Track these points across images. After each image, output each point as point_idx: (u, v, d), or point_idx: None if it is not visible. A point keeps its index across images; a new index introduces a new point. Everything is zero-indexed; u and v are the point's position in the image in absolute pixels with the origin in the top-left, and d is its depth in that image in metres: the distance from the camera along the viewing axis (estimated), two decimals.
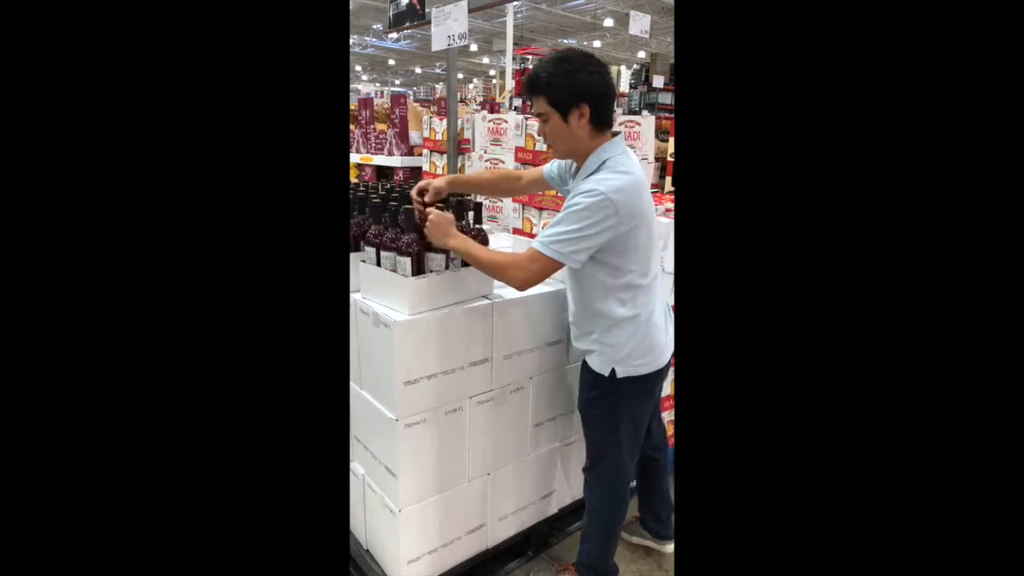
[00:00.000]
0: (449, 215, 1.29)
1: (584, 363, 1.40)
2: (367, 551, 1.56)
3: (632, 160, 1.27)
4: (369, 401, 1.41)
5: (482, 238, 1.42)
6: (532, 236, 2.14)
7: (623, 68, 8.00)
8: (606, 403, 1.37)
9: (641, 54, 14.79)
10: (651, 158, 2.11)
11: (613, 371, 1.32)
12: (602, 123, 1.24)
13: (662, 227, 1.49)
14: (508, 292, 1.50)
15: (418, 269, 1.31)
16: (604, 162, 1.24)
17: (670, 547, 1.74)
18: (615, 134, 1.29)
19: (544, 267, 1.21)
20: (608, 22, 12.06)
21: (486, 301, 1.43)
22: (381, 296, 1.36)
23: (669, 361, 1.42)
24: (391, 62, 18.44)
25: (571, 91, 1.20)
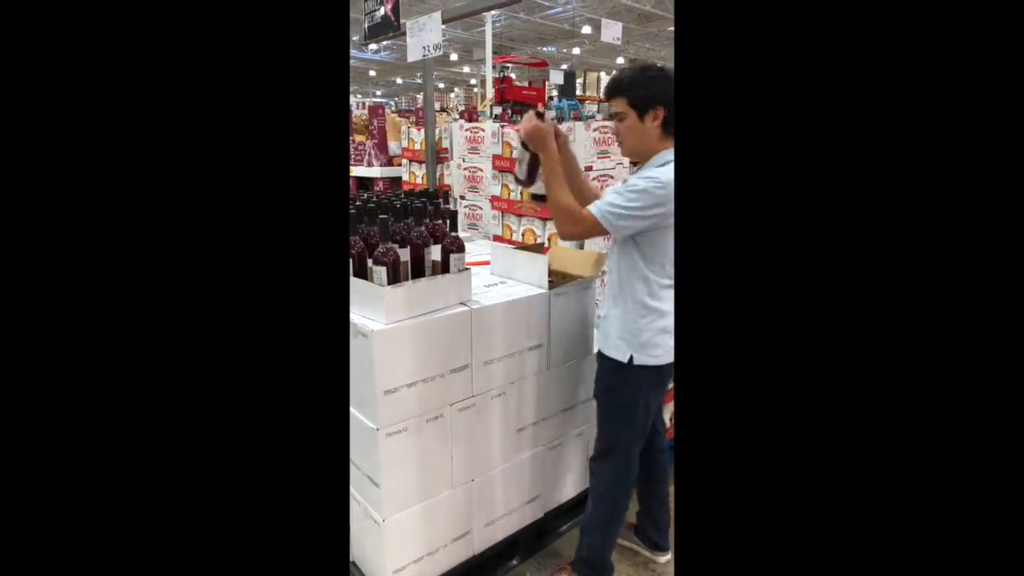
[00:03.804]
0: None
1: (600, 355, 1.50)
2: (352, 562, 1.55)
3: None
4: (349, 411, 1.41)
5: (458, 245, 1.43)
6: (511, 242, 2.16)
7: (603, 74, 8.09)
8: (624, 390, 1.45)
9: (620, 60, 14.94)
10: (627, 162, 2.14)
11: (631, 358, 1.41)
12: (670, 129, 1.38)
13: None
14: (485, 298, 1.51)
15: (394, 278, 1.32)
16: (667, 163, 1.36)
17: (663, 558, 1.75)
18: None
19: (592, 228, 1.35)
20: (586, 29, 12.18)
21: (463, 308, 1.44)
22: (358, 306, 1.36)
23: None
24: (372, 73, 18.45)
25: (651, 95, 1.34)
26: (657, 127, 1.36)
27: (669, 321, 1.41)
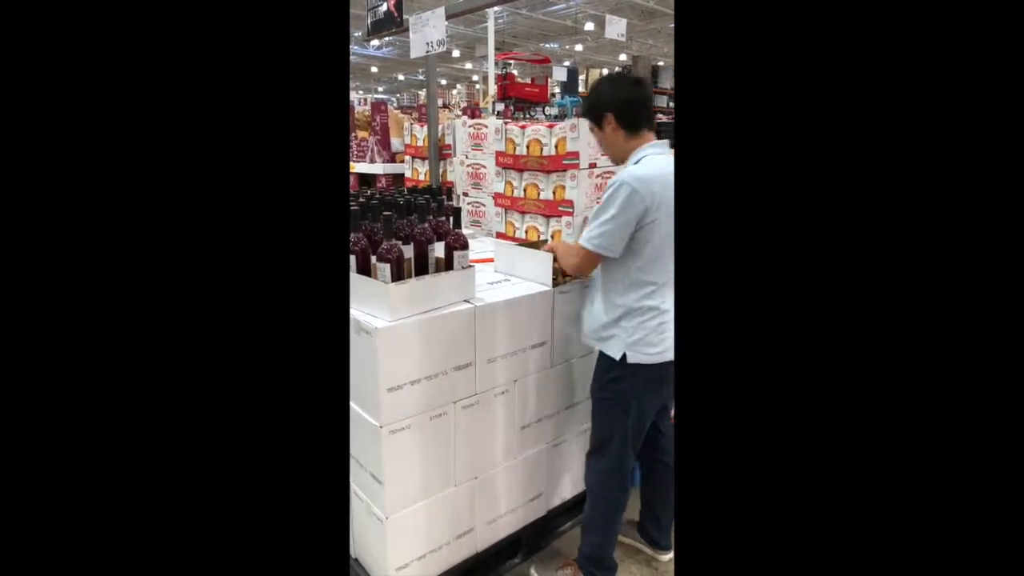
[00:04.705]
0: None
1: (600, 353, 1.50)
2: (355, 559, 1.55)
3: (665, 159, 1.38)
4: (353, 408, 1.41)
5: (461, 242, 1.43)
6: (514, 239, 2.15)
7: (605, 71, 8.08)
8: (617, 388, 1.45)
9: (623, 56, 14.90)
10: None
11: (624, 356, 1.41)
12: (632, 126, 1.41)
13: None
14: (489, 295, 1.50)
15: (398, 275, 1.31)
16: (639, 160, 1.38)
17: (665, 556, 1.75)
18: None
19: (588, 257, 1.40)
20: (589, 26, 12.15)
21: (468, 305, 1.43)
22: (362, 303, 1.36)
23: None
24: (373, 69, 18.41)
25: (596, 104, 1.44)
26: (615, 130, 1.42)
27: (666, 319, 1.40)
